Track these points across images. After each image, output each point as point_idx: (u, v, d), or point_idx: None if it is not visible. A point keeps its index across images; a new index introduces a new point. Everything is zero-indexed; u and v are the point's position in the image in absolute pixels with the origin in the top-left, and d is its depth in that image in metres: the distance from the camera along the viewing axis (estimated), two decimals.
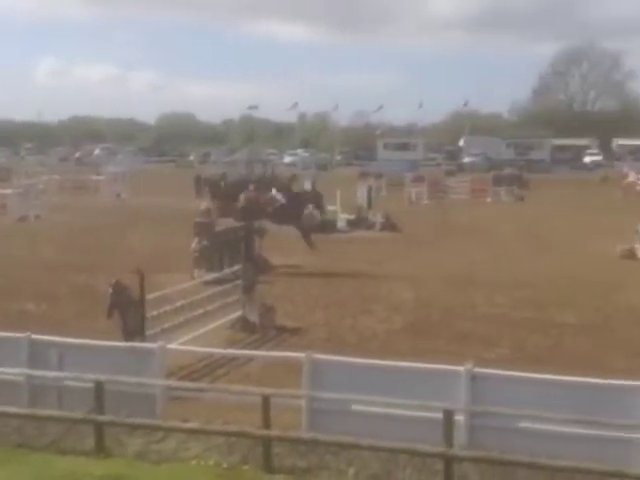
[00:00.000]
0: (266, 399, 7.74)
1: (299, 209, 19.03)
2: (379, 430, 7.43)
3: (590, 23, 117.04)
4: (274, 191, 19.18)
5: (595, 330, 13.04)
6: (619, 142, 73.32)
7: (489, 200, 38.21)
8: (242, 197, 19.40)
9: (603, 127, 76.68)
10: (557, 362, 10.78)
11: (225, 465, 7.73)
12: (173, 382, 9.25)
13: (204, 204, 20.37)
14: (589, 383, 7.73)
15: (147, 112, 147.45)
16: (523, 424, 7.53)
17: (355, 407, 8.05)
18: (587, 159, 67.30)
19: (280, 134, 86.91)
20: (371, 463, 7.50)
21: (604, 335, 12.76)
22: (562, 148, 70.62)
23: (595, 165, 63.27)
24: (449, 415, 7.02)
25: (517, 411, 7.36)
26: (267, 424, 7.67)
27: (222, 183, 35.51)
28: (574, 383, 7.73)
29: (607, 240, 21.56)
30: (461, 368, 7.95)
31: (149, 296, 11.06)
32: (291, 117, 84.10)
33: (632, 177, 42.03)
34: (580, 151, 69.81)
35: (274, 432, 7.63)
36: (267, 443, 7.61)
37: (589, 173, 57.17)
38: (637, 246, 21.11)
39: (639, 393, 7.37)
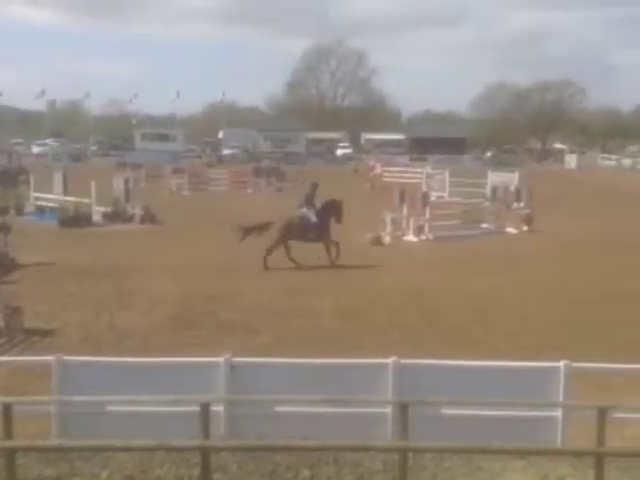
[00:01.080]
0: (7, 408, 7.09)
1: (327, 224, 18.33)
2: (137, 429, 7.14)
3: (338, 20, 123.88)
4: (304, 209, 18.39)
5: (350, 313, 13.73)
6: (366, 136, 78.72)
7: (249, 191, 38.90)
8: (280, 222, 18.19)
9: (352, 121, 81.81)
10: (316, 346, 11.20)
11: None
12: None
13: None
14: (339, 363, 8.12)
15: None
16: (280, 409, 7.71)
17: (110, 408, 7.69)
18: (339, 152, 71.44)
19: (27, 123, 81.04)
20: (126, 464, 7.23)
21: (357, 317, 13.49)
22: (316, 141, 74.30)
23: (347, 158, 67.33)
24: (205, 407, 6.96)
25: (274, 396, 7.50)
26: (9, 434, 7.03)
27: None
28: (326, 364, 8.06)
29: (358, 228, 22.87)
30: (220, 359, 7.92)
31: None
32: (40, 105, 78.87)
33: (379, 169, 45.19)
34: (333, 144, 73.95)
35: (17, 442, 7.01)
36: (10, 454, 6.97)
37: (341, 165, 60.58)
38: (383, 234, 22.72)
39: (382, 370, 7.84)
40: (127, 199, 27.31)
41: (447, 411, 7.65)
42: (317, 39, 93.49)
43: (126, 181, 28.23)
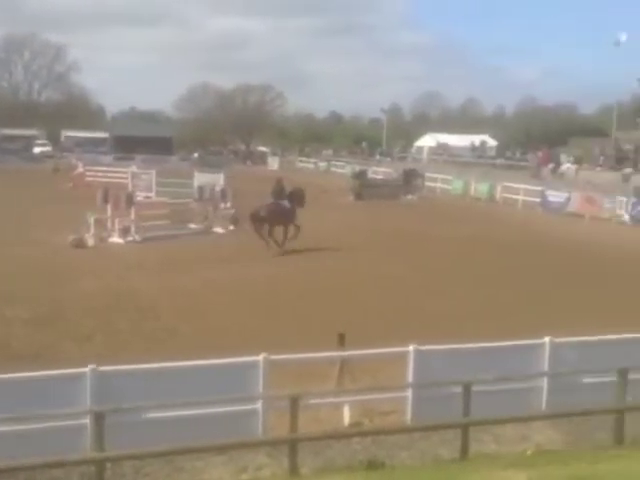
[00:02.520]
0: None
1: (295, 209, 21.23)
2: None
3: (35, 13, 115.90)
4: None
5: (49, 320, 12.88)
6: (66, 134, 74.75)
7: None
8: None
9: (51, 118, 77.18)
10: (8, 358, 10.30)
11: None
12: None
13: None
14: (30, 377, 7.48)
15: None
16: None
17: None
18: (37, 150, 67.04)
19: None
20: None
21: (58, 324, 12.70)
22: (10, 138, 68.76)
23: (45, 156, 63.39)
24: None
25: None
26: None
27: None
28: (16, 379, 7.40)
29: (58, 230, 21.62)
30: None
31: None
32: None
33: (81, 168, 43.27)
34: (29, 141, 69.10)
35: None
36: None
37: (40, 164, 56.87)
38: (87, 235, 21.73)
39: (79, 380, 7.42)
40: None
41: (150, 415, 7.48)
42: (5, 30, 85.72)
43: None
